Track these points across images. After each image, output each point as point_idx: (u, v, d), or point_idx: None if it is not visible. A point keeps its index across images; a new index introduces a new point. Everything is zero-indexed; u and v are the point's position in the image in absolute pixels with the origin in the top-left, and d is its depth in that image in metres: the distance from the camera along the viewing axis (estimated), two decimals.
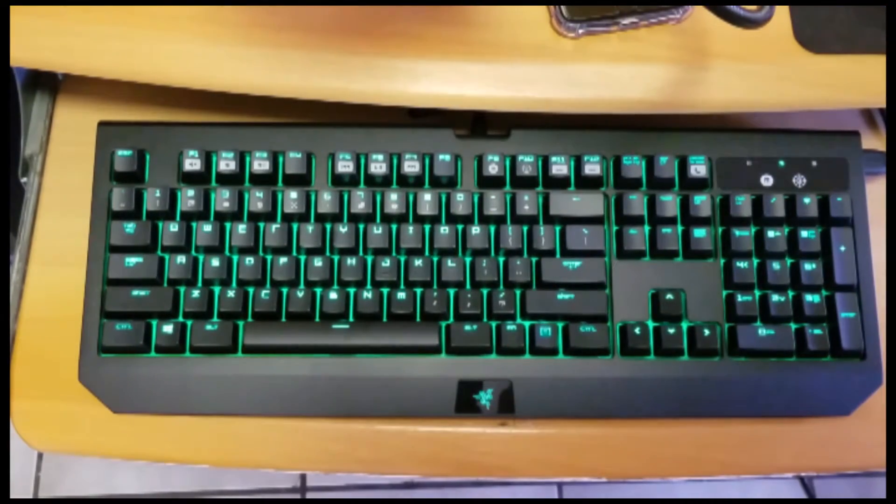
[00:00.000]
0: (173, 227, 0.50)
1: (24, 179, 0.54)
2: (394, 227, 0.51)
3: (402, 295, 0.49)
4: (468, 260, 0.50)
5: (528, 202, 0.51)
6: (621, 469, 0.50)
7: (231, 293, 0.49)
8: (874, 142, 0.56)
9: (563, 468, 0.50)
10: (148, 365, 0.49)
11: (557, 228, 0.51)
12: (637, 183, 0.51)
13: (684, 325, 0.50)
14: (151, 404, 0.49)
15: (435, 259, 0.50)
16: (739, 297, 0.50)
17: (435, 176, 0.51)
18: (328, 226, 0.50)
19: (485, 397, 0.49)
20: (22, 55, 0.47)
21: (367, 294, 0.49)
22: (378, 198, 0.51)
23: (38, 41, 0.47)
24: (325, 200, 0.50)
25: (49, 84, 0.55)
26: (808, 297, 0.50)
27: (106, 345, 0.49)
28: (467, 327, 0.49)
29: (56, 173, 0.54)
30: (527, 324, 0.50)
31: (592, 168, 0.51)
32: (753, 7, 0.43)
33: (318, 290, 0.50)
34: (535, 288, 0.50)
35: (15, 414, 0.50)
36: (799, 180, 0.52)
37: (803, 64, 0.48)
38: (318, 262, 0.50)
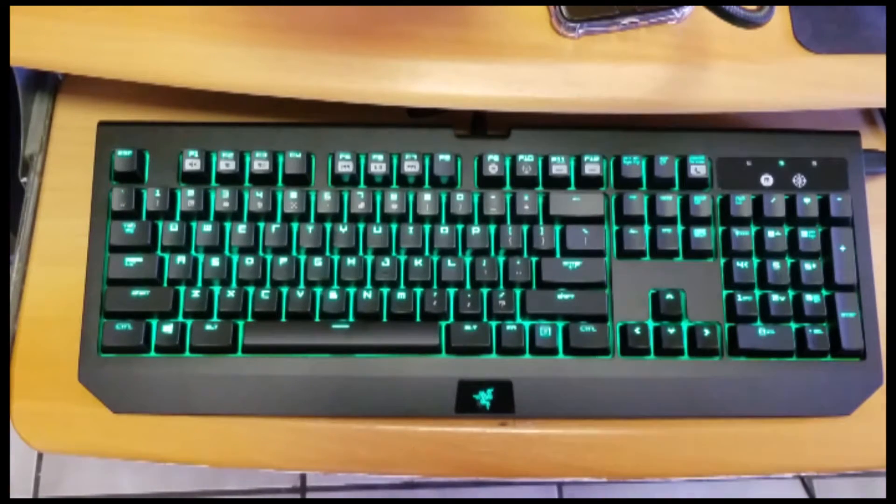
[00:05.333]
0: (173, 227, 0.50)
1: (24, 179, 0.54)
2: (394, 226, 0.51)
3: (402, 295, 0.49)
4: (468, 260, 0.50)
5: (528, 202, 0.51)
6: (621, 469, 0.50)
7: (231, 293, 0.49)
8: (874, 142, 0.56)
9: (563, 468, 0.50)
10: (148, 365, 0.49)
11: (557, 228, 0.51)
12: (637, 183, 0.51)
13: (684, 325, 0.50)
14: (151, 404, 0.49)
15: (435, 259, 0.50)
16: (739, 297, 0.50)
17: (435, 176, 0.51)
18: (328, 226, 0.50)
19: (485, 397, 0.49)
20: (22, 55, 0.47)
21: (367, 294, 0.49)
22: (378, 198, 0.51)
23: (38, 41, 0.47)
24: (325, 200, 0.50)
25: (49, 84, 0.55)
26: (808, 297, 0.50)
27: (106, 345, 0.49)
28: (467, 327, 0.49)
29: (56, 173, 0.54)
30: (527, 324, 0.50)
31: (592, 168, 0.51)
32: (753, 7, 0.43)
33: (318, 290, 0.50)
34: (535, 288, 0.50)
35: (15, 414, 0.50)
36: (799, 180, 0.52)
37: (803, 64, 0.48)
38: (317, 261, 0.50)
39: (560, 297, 0.50)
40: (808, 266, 0.50)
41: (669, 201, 0.51)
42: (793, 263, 0.51)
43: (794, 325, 0.50)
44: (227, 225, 0.50)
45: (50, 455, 1.07)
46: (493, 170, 0.51)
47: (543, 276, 0.50)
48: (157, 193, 0.50)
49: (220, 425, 0.49)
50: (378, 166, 0.51)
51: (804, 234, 0.51)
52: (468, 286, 0.50)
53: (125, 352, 0.49)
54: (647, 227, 0.51)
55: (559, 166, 0.51)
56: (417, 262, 0.50)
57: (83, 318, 0.49)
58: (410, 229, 0.50)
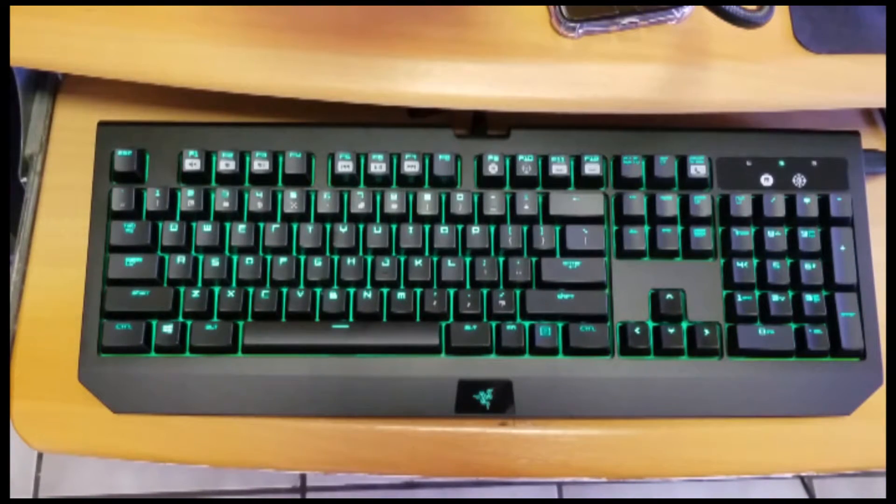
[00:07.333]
0: (173, 227, 0.50)
1: (24, 179, 0.54)
2: (394, 227, 0.51)
3: (401, 295, 0.49)
4: (468, 260, 0.50)
5: (527, 202, 0.51)
6: (621, 469, 0.50)
7: (231, 293, 0.49)
8: (874, 142, 0.56)
9: (563, 468, 0.50)
10: (148, 365, 0.49)
11: (557, 228, 0.51)
12: (637, 183, 0.51)
13: (684, 325, 0.50)
14: (151, 404, 0.49)
15: (435, 259, 0.50)
16: (739, 297, 0.50)
17: (435, 176, 0.51)
18: (328, 226, 0.50)
19: (485, 397, 0.49)
20: (22, 55, 0.47)
21: (367, 294, 0.49)
22: (378, 198, 0.51)
23: (38, 41, 0.47)
24: (325, 200, 0.50)
25: (49, 84, 0.55)
26: (808, 297, 0.50)
27: (106, 345, 0.49)
28: (467, 327, 0.49)
29: (56, 173, 0.54)
30: (527, 324, 0.50)
31: (592, 168, 0.51)
32: (753, 7, 0.43)
33: (318, 290, 0.50)
34: (535, 288, 0.50)
35: (15, 414, 0.50)
36: (799, 180, 0.52)
37: (803, 64, 0.48)
38: (317, 262, 0.50)
39: (560, 297, 0.50)
40: (808, 266, 0.50)
41: (669, 201, 0.51)
42: (792, 263, 0.51)
43: (793, 325, 0.50)
44: (227, 225, 0.50)
45: (50, 455, 1.07)
46: (493, 170, 0.51)
47: (543, 276, 0.50)
48: (157, 193, 0.50)
49: (220, 425, 0.49)
50: (378, 166, 0.51)
51: (804, 234, 0.51)
52: (468, 286, 0.50)
53: (125, 352, 0.49)
54: (646, 227, 0.51)
55: (559, 166, 0.51)
56: (417, 262, 0.50)
57: (83, 318, 0.49)
58: (410, 229, 0.50)
